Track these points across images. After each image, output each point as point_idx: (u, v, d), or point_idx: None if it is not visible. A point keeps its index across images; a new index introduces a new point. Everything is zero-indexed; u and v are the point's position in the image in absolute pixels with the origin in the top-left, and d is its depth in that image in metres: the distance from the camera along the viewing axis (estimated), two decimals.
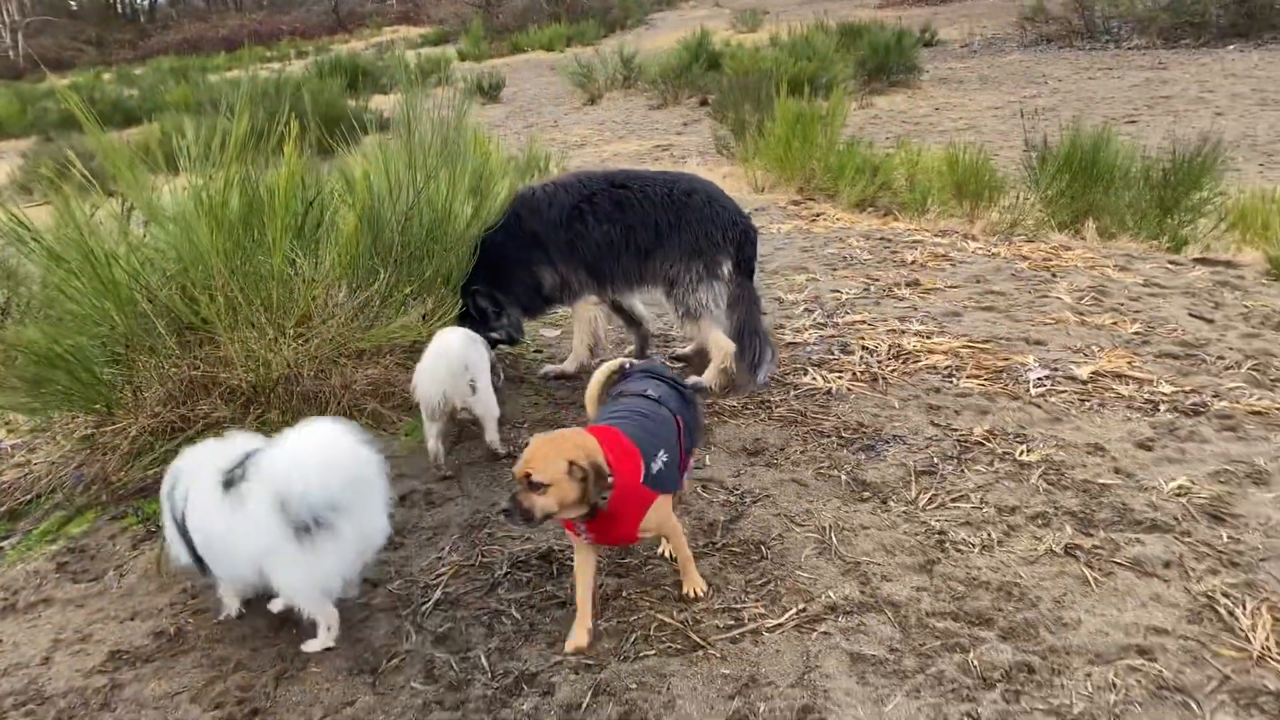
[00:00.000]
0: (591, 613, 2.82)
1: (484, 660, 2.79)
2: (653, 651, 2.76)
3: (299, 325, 4.47)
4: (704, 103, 18.29)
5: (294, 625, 3.01)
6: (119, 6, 73.28)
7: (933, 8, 37.46)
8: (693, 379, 4.59)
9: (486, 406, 3.94)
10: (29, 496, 4.20)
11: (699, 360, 4.86)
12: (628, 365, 3.23)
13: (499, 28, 39.94)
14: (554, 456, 2.61)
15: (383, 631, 2.97)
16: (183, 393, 4.31)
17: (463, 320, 4.70)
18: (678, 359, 5.04)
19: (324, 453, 2.62)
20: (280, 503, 2.59)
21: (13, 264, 6.12)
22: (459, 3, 49.04)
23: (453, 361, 3.79)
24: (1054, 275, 6.41)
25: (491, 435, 4.01)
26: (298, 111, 4.97)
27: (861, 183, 9.89)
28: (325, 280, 4.67)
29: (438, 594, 3.12)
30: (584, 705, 2.58)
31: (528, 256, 4.71)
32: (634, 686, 2.63)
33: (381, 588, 3.21)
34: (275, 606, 3.07)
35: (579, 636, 2.78)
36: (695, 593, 2.98)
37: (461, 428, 4.23)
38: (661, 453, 2.82)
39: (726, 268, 4.60)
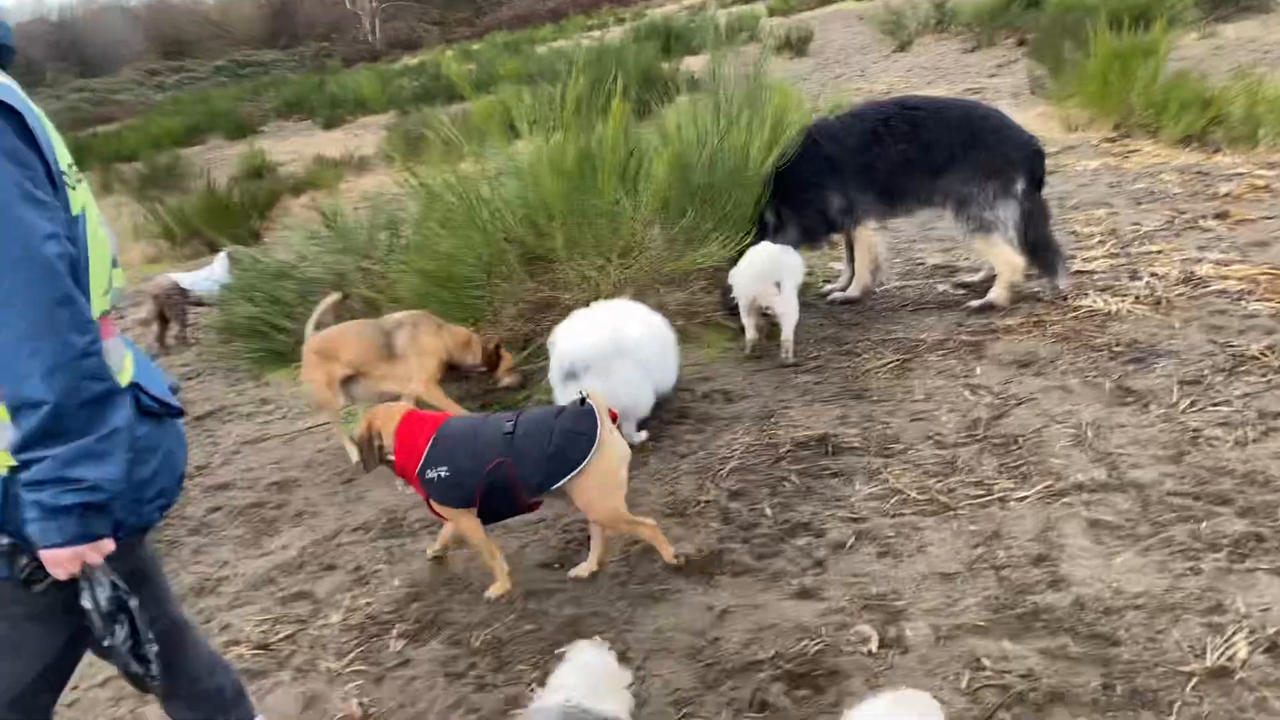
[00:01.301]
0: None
1: (768, 510, 3.43)
2: (909, 511, 3.27)
3: (621, 255, 5.27)
4: (1021, 43, 17.58)
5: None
6: None
7: None
8: (976, 302, 4.92)
9: (788, 308, 4.56)
10: None
11: (983, 287, 5.15)
12: (581, 395, 3.20)
13: None
14: (376, 416, 3.25)
15: (688, 487, 3.69)
16: (531, 310, 5.26)
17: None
18: (962, 286, 5.35)
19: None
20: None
21: (396, 215, 7.50)
22: None
23: (762, 266, 4.46)
24: None
25: (787, 335, 4.61)
26: (618, 75, 5.77)
27: (1188, 117, 9.37)
28: (643, 217, 5.45)
29: (732, 463, 3.80)
30: (848, 544, 3.14)
31: (819, 180, 5.18)
32: (891, 534, 3.15)
33: (687, 459, 3.93)
34: None
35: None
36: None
37: (769, 332, 4.84)
38: (444, 468, 3.08)
39: (1020, 185, 4.86)
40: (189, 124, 32.76)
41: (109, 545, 1.74)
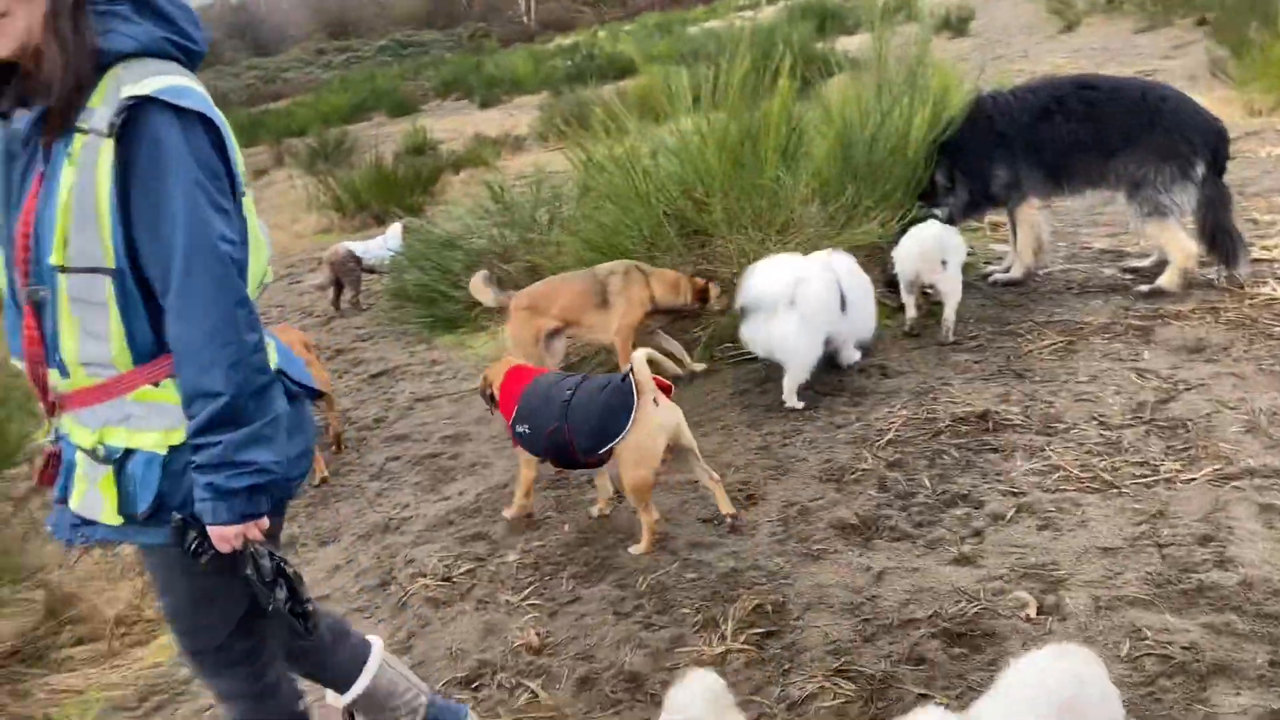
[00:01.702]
0: None
1: (926, 481, 3.51)
2: (1071, 488, 3.29)
3: (780, 231, 5.38)
4: (1201, 22, 16.65)
5: (774, 448, 3.96)
6: None
7: None
8: (1145, 286, 4.83)
9: (952, 285, 4.60)
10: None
11: (1153, 272, 5.04)
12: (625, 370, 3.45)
13: None
14: (490, 371, 3.77)
15: (845, 456, 3.80)
16: None
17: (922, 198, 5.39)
18: (1129, 270, 5.24)
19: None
20: None
21: (558, 190, 7.80)
22: None
23: (925, 244, 4.51)
24: None
25: (949, 314, 4.64)
26: (775, 55, 5.85)
27: None
28: (802, 194, 5.54)
29: (890, 435, 3.88)
30: (1008, 516, 3.20)
31: (988, 153, 5.14)
32: (1052, 509, 3.19)
33: (844, 429, 4.04)
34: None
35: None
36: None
37: (929, 309, 4.89)
38: (525, 425, 3.52)
39: (1199, 169, 4.73)
40: (354, 102, 34.19)
41: (267, 522, 1.91)
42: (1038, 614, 2.74)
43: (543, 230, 7.53)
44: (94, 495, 1.87)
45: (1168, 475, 3.26)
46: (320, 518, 4.51)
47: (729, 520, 3.48)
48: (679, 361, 4.91)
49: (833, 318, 4.28)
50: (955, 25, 22.95)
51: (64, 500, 1.93)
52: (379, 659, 2.45)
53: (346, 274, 8.45)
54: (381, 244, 8.52)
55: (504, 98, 30.49)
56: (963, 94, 6.61)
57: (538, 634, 3.11)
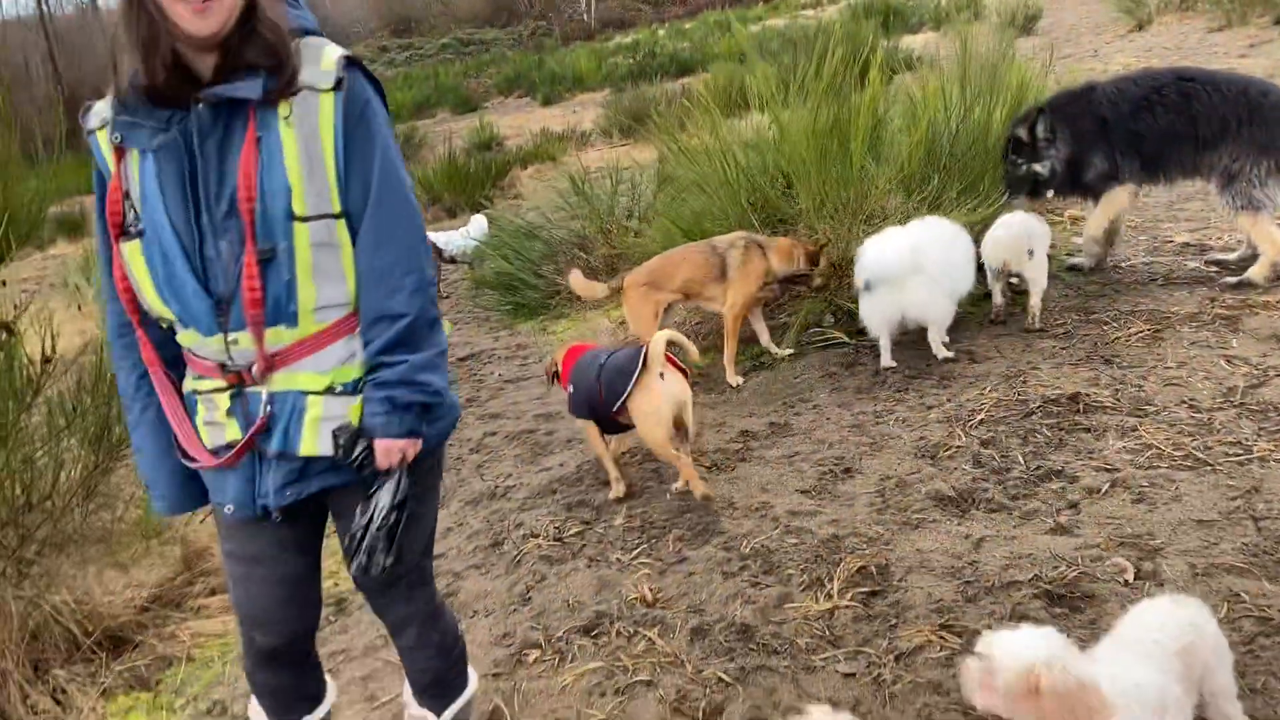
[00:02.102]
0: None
1: (1020, 457, 3.64)
2: (1164, 465, 3.41)
3: (865, 220, 5.52)
4: (1279, 20, 16.38)
5: (867, 427, 4.11)
6: None
7: None
8: (1231, 278, 4.88)
9: (1038, 273, 4.71)
10: None
11: (1239, 265, 5.08)
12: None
13: None
14: (556, 352, 4.28)
15: (938, 434, 3.95)
16: None
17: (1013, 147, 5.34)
18: (1213, 263, 5.29)
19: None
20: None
21: (635, 181, 7.99)
22: None
23: (1013, 232, 4.63)
24: None
25: (1035, 301, 4.75)
26: (875, 46, 6.02)
27: None
28: (887, 184, 5.67)
29: (981, 415, 4.01)
30: (1103, 490, 3.33)
31: (1090, 135, 5.15)
32: (1145, 484, 3.31)
33: (935, 410, 4.18)
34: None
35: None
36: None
37: (1014, 298, 5.01)
38: (572, 387, 4.02)
39: None
40: (419, 98, 34.81)
41: (419, 444, 2.07)
42: (1135, 579, 2.86)
43: (621, 220, 7.75)
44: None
45: (1260, 455, 3.35)
46: None
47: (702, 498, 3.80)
48: (764, 349, 5.10)
49: (956, 274, 4.63)
50: (1021, 25, 22.74)
51: (252, 474, 2.06)
52: (475, 681, 2.58)
53: None
54: (464, 235, 8.78)
55: (566, 95, 30.83)
56: (1039, 90, 6.72)
57: (650, 589, 3.30)
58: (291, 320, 1.97)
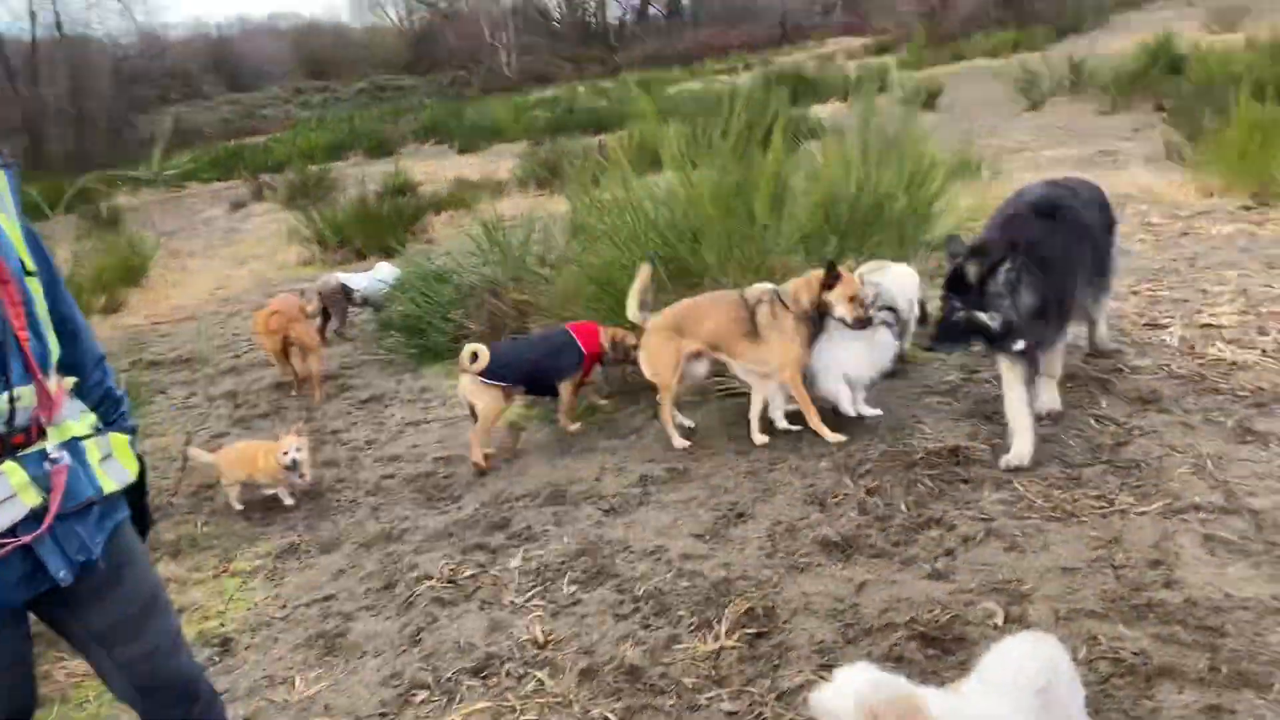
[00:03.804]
0: None
1: (902, 505, 3.80)
2: (1036, 516, 3.60)
3: (767, 277, 5.71)
4: (1159, 108, 17.49)
5: (761, 473, 4.24)
6: (593, 25, 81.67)
7: None
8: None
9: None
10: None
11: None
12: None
13: (942, 36, 39.79)
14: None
15: (827, 481, 4.09)
16: None
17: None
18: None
19: None
20: None
21: (548, 230, 8.10)
22: (902, 14, 49.38)
23: (905, 283, 4.84)
24: None
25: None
26: (764, 117, 6.28)
27: None
28: (789, 243, 5.89)
29: (868, 465, 4.17)
30: (978, 538, 3.49)
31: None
32: (1017, 533, 3.49)
33: (826, 458, 4.32)
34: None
35: None
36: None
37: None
38: None
39: None
40: (333, 141, 34.58)
41: None
42: (1004, 622, 3.01)
43: (533, 268, 7.84)
44: (115, 463, 2.10)
45: (1123, 508, 3.57)
46: (320, 528, 4.69)
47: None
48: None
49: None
50: (924, 99, 23.73)
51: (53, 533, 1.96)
52: None
53: (334, 305, 8.66)
54: (371, 277, 8.76)
55: (483, 144, 30.98)
56: (938, 163, 7.08)
57: (542, 631, 3.33)
58: (51, 372, 1.98)
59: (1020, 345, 4.01)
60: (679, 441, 4.77)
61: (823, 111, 22.11)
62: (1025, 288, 3.92)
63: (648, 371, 4.82)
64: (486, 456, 5.07)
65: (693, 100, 21.88)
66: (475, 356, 4.94)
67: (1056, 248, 4.04)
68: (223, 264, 14.42)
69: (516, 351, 5.24)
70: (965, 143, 11.52)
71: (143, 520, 2.27)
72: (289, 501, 4.99)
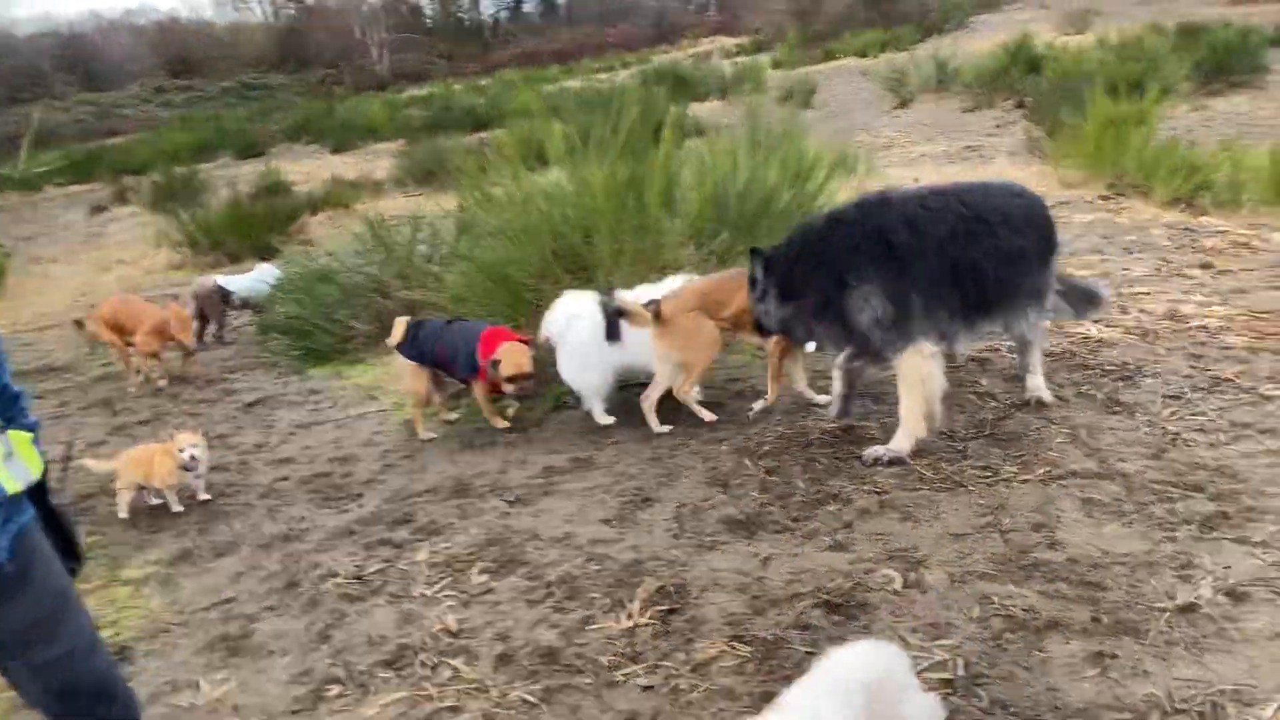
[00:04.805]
0: None
1: (801, 483, 3.94)
2: (926, 487, 3.78)
3: (660, 270, 5.79)
4: (1020, 105, 18.37)
5: (664, 459, 4.32)
6: (466, 23, 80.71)
7: None
8: None
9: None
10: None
11: None
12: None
13: (814, 35, 40.82)
14: (528, 356, 4.69)
15: (729, 464, 4.19)
16: None
17: None
18: None
19: None
20: None
21: (435, 228, 8.02)
22: (775, 12, 50.44)
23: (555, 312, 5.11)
24: None
25: None
26: (666, 109, 6.37)
27: (1176, 180, 10.01)
28: (680, 237, 5.99)
29: (768, 445, 4.30)
30: (874, 511, 3.65)
31: None
32: (911, 505, 3.65)
33: (726, 442, 4.43)
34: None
35: None
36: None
37: None
38: None
39: None
40: (200, 141, 33.35)
41: None
42: (903, 587, 3.16)
43: (421, 265, 7.75)
44: (18, 461, 2.04)
45: (1006, 477, 3.78)
46: (213, 532, 4.55)
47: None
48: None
49: (605, 351, 4.82)
50: (799, 98, 24.33)
51: None
52: None
53: (211, 308, 8.38)
54: (253, 279, 8.51)
55: (359, 143, 30.35)
56: (819, 160, 7.30)
57: (455, 620, 3.33)
58: None
59: (811, 346, 4.36)
60: (658, 427, 4.74)
61: (702, 109, 22.45)
62: (770, 297, 4.30)
63: (676, 355, 4.66)
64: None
65: (574, 98, 21.92)
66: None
67: (820, 259, 4.12)
68: (87, 269, 13.76)
69: (431, 335, 5.17)
70: (841, 139, 11.88)
71: (61, 528, 2.19)
72: (177, 508, 4.82)
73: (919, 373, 4.03)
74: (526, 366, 4.81)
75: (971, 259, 4.06)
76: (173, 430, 4.83)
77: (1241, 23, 22.11)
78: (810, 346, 4.41)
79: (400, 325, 5.14)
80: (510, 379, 4.82)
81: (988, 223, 4.12)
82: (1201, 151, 10.98)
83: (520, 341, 4.92)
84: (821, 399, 4.75)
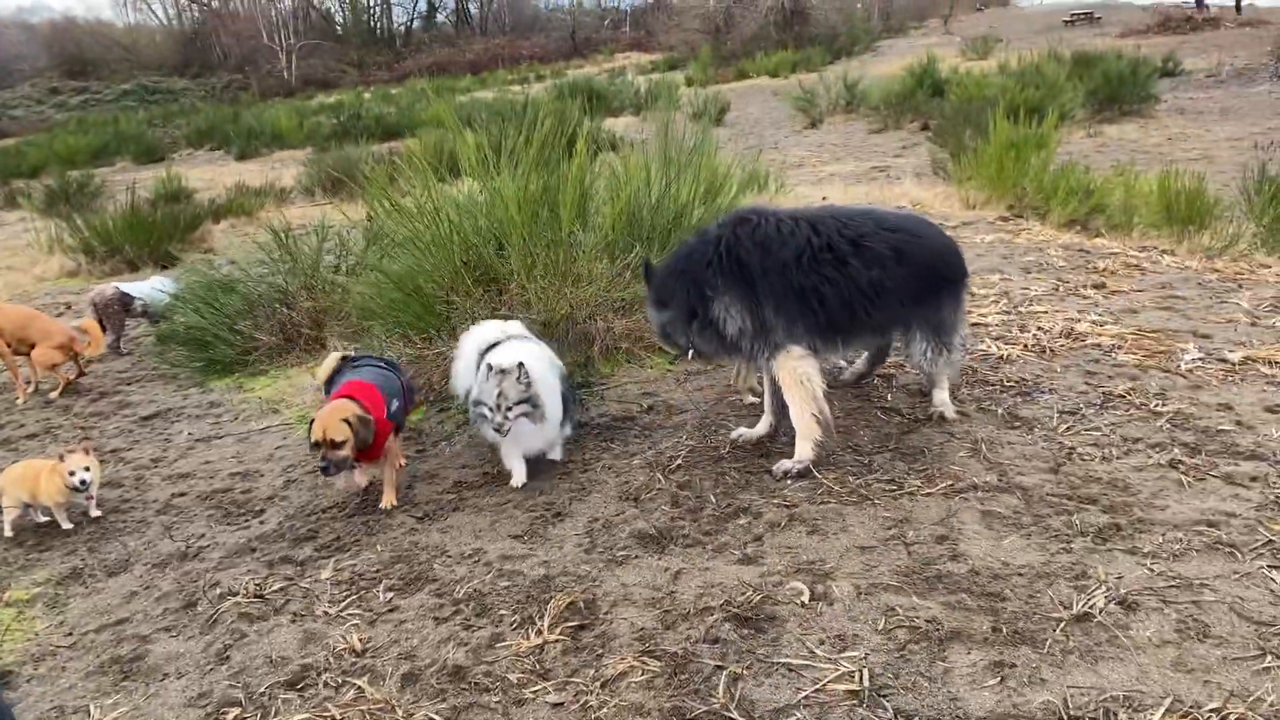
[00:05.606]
0: None
1: (712, 497, 3.95)
2: (833, 501, 3.83)
3: (573, 283, 5.79)
4: (925, 127, 18.93)
5: (575, 474, 4.30)
6: (378, 31, 79.75)
7: (1180, 36, 36.09)
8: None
9: None
10: None
11: None
12: (352, 352, 4.69)
13: (727, 54, 41.43)
14: (338, 421, 3.99)
15: (640, 478, 4.19)
16: None
17: None
18: None
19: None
20: None
21: (342, 237, 7.88)
22: (689, 30, 51.05)
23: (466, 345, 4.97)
24: (1240, 286, 6.91)
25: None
26: (580, 122, 6.38)
27: (1072, 203, 10.41)
28: (595, 249, 5.98)
29: (679, 460, 4.31)
30: (783, 524, 3.68)
31: None
32: (819, 518, 3.70)
33: (638, 456, 4.43)
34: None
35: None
36: (391, 504, 4.31)
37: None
38: (394, 400, 4.31)
39: None
40: (96, 144, 32.22)
41: None
42: (810, 599, 3.19)
43: (327, 275, 7.60)
44: None
45: (910, 490, 3.86)
46: (105, 551, 4.37)
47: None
48: None
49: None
50: (712, 115, 24.64)
51: None
52: None
53: (110, 316, 8.08)
54: (153, 287, 8.24)
55: (264, 151, 29.73)
56: (730, 177, 7.39)
57: (360, 639, 3.25)
58: None
59: (689, 354, 4.46)
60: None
61: (617, 124, 22.55)
62: (650, 306, 4.55)
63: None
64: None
65: (486, 109, 21.81)
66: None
67: (683, 272, 4.27)
68: None
69: (351, 370, 4.54)
70: (753, 157, 12.04)
71: None
72: (67, 525, 4.61)
73: (795, 374, 4.14)
74: (333, 433, 3.99)
75: (813, 284, 4.13)
76: (62, 451, 4.61)
77: (1132, 55, 23.19)
78: (689, 354, 4.47)
79: (328, 363, 4.65)
80: (314, 444, 4.05)
81: (835, 251, 4.17)
82: (1096, 176, 11.47)
83: (356, 400, 4.14)
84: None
